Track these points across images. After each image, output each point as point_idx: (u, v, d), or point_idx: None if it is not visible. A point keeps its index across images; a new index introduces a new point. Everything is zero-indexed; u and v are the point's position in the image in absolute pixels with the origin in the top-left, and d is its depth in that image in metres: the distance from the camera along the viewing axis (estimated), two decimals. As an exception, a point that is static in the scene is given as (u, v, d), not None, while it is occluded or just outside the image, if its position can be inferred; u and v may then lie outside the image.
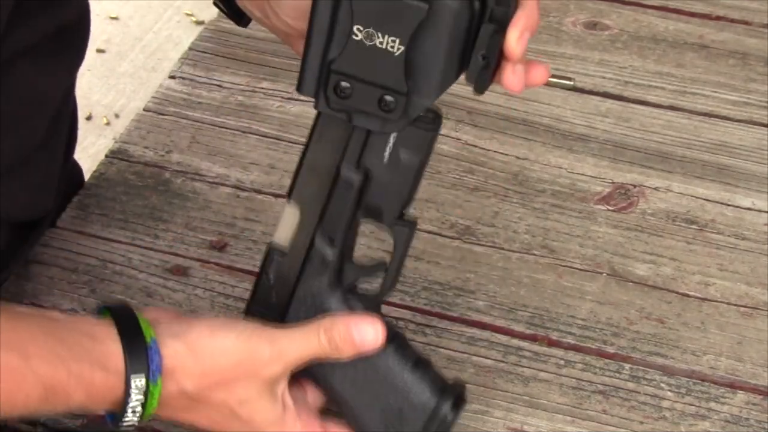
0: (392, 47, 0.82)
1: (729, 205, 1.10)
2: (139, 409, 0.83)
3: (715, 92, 1.21)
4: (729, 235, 1.08)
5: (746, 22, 1.29)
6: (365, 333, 0.86)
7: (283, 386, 0.87)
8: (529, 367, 0.97)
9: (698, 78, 1.23)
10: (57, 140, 1.04)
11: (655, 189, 1.12)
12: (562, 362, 0.98)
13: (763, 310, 1.02)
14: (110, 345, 0.83)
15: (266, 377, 0.85)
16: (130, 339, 0.83)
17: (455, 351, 0.98)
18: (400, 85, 0.83)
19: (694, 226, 1.09)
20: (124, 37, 2.63)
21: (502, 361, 0.98)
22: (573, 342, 0.99)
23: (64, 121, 1.06)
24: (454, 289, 1.03)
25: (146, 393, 0.82)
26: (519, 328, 1.00)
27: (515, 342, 0.99)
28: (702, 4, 1.31)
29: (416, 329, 1.00)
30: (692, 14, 1.30)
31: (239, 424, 0.86)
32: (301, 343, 0.86)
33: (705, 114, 1.19)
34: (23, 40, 0.93)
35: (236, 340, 0.85)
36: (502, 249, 1.06)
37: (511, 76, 0.84)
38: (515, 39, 0.83)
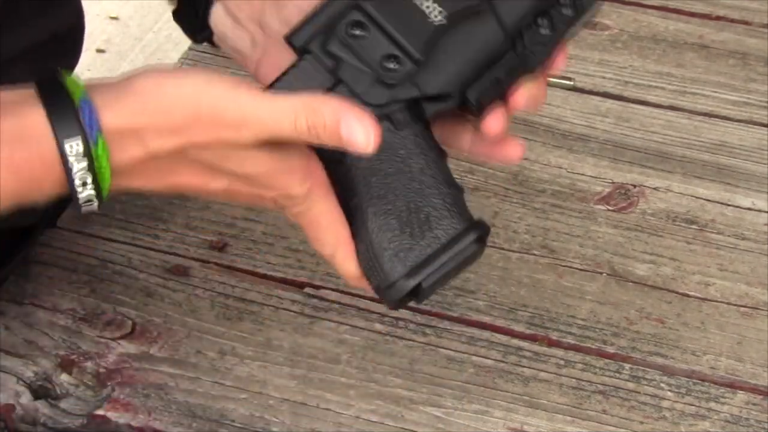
0: (432, 13, 0.79)
1: (729, 205, 1.10)
2: (89, 180, 0.72)
3: (715, 92, 1.21)
4: (729, 235, 1.08)
5: (746, 22, 1.29)
6: (355, 132, 0.75)
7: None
8: (529, 367, 0.97)
9: (698, 78, 1.23)
10: None
11: (655, 189, 1.12)
12: (562, 362, 0.98)
13: (763, 310, 1.02)
14: (29, 114, 0.72)
15: (232, 141, 0.75)
16: (53, 102, 0.72)
17: (455, 351, 0.98)
18: (417, 51, 0.79)
19: (694, 226, 1.09)
20: (124, 37, 2.63)
21: (502, 361, 0.98)
22: (573, 342, 0.99)
23: None
24: (454, 289, 1.03)
25: (89, 158, 0.72)
26: (519, 328, 1.00)
27: (515, 342, 0.99)
28: (702, 4, 1.31)
29: (416, 329, 1.00)
30: (692, 14, 1.30)
31: (227, 178, 0.77)
32: (272, 117, 0.75)
33: (705, 114, 1.19)
34: (22, 42, 0.93)
35: (189, 90, 0.74)
36: (502, 249, 1.06)
37: (494, 119, 0.82)
38: (527, 91, 0.82)
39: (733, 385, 0.97)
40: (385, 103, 0.80)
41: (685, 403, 0.95)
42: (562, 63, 0.84)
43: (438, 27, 0.79)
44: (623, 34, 1.28)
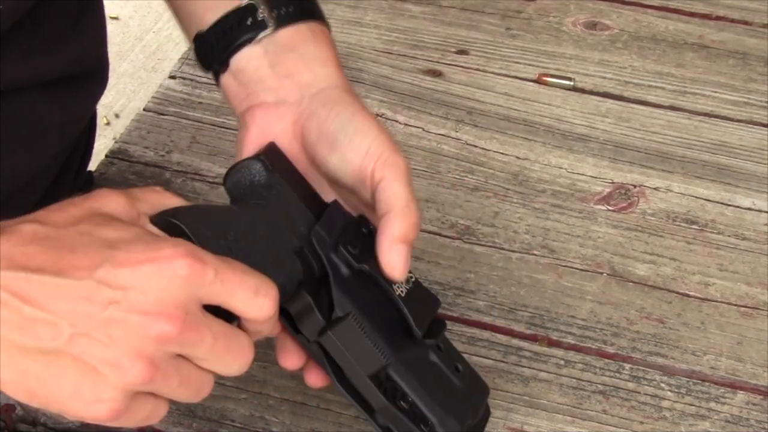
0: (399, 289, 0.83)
1: (729, 205, 1.10)
2: None
3: (716, 92, 1.21)
4: (729, 235, 1.08)
5: (746, 22, 1.29)
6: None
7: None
8: (529, 367, 0.97)
9: (698, 78, 1.23)
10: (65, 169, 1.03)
11: (656, 189, 1.12)
12: (562, 362, 0.98)
13: (763, 310, 1.02)
14: None
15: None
16: None
17: (455, 351, 0.98)
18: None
19: (694, 226, 1.09)
20: (124, 37, 2.63)
21: (502, 361, 0.98)
22: (573, 342, 0.99)
23: (79, 148, 1.06)
24: (454, 289, 1.03)
25: None
26: (519, 328, 1.00)
27: (515, 342, 0.99)
28: (702, 4, 1.31)
29: (416, 329, 0.99)
30: (692, 14, 1.30)
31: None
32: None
33: (705, 114, 1.19)
34: (40, 71, 0.91)
35: None
36: (503, 249, 1.06)
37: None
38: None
39: (733, 386, 0.97)
40: None
41: (685, 404, 0.95)
42: None
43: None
44: (623, 34, 1.28)
